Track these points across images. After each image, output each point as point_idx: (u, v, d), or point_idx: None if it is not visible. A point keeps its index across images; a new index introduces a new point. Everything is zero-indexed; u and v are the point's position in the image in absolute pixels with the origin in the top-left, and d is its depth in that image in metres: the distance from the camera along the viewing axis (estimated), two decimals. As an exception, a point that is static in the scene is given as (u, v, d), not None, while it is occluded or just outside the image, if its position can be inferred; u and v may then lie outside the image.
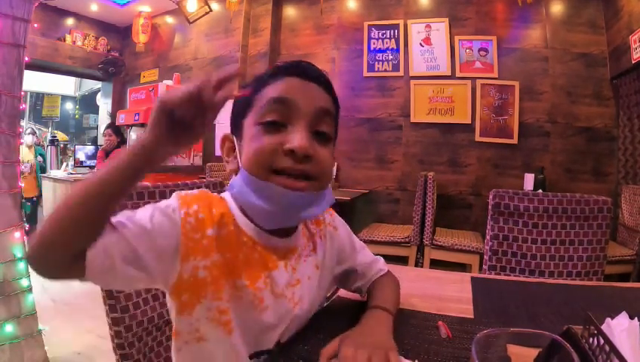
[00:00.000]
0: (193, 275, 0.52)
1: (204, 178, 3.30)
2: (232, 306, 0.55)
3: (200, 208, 0.54)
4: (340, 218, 0.77)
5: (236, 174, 0.58)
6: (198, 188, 1.03)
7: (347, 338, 0.55)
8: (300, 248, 0.63)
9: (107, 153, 3.78)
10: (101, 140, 4.74)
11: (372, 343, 0.53)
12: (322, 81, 0.59)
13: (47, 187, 3.88)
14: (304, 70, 0.58)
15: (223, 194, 0.62)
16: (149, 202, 0.93)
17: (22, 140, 1.74)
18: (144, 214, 0.51)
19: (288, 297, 0.59)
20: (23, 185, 1.65)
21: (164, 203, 0.54)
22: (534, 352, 0.45)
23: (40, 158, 4.28)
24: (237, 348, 0.55)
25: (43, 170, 4.24)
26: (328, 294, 0.77)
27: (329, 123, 0.59)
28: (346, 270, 0.75)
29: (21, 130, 1.66)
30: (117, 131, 3.82)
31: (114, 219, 0.48)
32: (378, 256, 0.80)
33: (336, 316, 0.70)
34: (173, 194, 0.56)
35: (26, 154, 3.93)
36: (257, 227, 0.58)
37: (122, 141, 3.78)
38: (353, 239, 0.77)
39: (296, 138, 0.53)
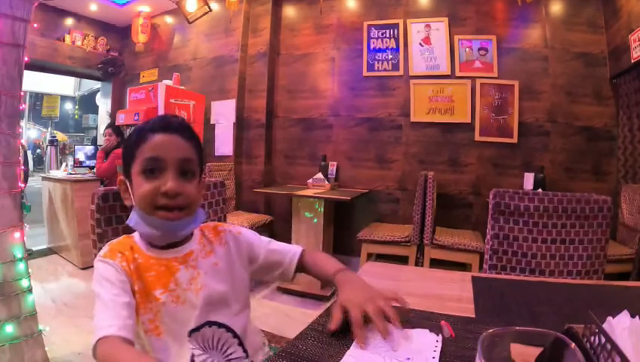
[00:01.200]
0: (134, 299, 0.70)
1: (205, 177, 3.29)
2: (160, 316, 0.71)
3: (121, 255, 0.72)
4: (241, 227, 0.94)
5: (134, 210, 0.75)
6: None
7: (345, 301, 0.69)
8: (196, 251, 0.80)
9: (107, 153, 3.78)
10: (101, 140, 4.74)
11: (366, 293, 0.70)
12: (182, 130, 0.76)
13: (46, 187, 3.88)
14: (167, 125, 0.75)
15: (133, 233, 0.79)
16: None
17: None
18: (107, 299, 0.66)
19: (192, 288, 0.75)
20: (23, 185, 1.65)
21: (103, 271, 0.70)
22: (536, 351, 0.45)
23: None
24: (168, 344, 0.72)
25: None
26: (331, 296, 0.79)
27: (191, 165, 0.76)
28: (261, 264, 0.89)
29: (21, 130, 1.66)
30: (117, 131, 3.82)
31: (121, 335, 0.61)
32: (288, 245, 0.93)
33: (347, 325, 0.70)
34: (95, 262, 0.72)
35: None
36: (157, 248, 0.76)
37: (122, 141, 3.78)
38: (261, 238, 0.92)
39: (168, 183, 0.72)
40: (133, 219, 0.75)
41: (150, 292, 0.72)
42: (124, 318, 0.63)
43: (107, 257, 0.71)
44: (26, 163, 3.90)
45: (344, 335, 0.66)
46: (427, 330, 0.66)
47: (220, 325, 0.77)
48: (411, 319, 0.71)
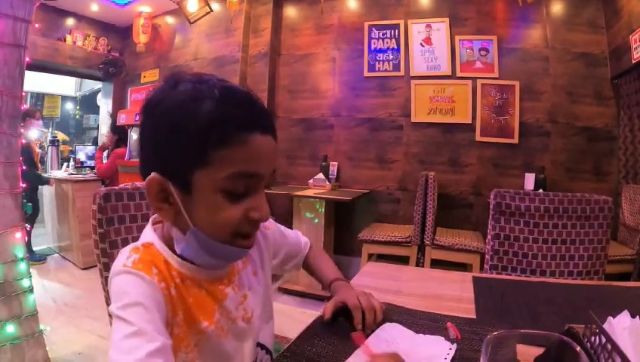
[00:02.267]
0: (172, 333, 0.52)
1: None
2: (198, 349, 0.56)
3: (157, 271, 0.52)
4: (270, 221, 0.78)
5: (175, 225, 0.55)
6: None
7: (343, 296, 0.73)
8: (237, 266, 0.65)
9: (105, 152, 3.81)
10: (101, 140, 4.75)
11: (359, 292, 0.73)
12: (273, 128, 0.55)
13: (47, 187, 3.88)
14: (266, 123, 0.54)
15: (148, 239, 0.58)
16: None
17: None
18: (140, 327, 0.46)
19: (241, 316, 0.62)
20: (24, 185, 1.65)
21: (132, 289, 0.49)
22: (536, 350, 0.46)
23: None
24: None
25: None
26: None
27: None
28: (281, 259, 0.82)
29: (22, 130, 1.66)
30: (115, 130, 3.85)
31: None
32: (295, 231, 0.88)
33: (340, 319, 0.70)
34: (117, 276, 0.51)
35: None
36: (194, 264, 0.56)
37: (121, 140, 3.79)
38: (280, 229, 0.82)
39: (262, 208, 0.54)
40: (188, 248, 0.54)
41: (193, 324, 0.55)
42: None
43: (140, 269, 0.50)
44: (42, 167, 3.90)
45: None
46: (442, 338, 0.65)
47: (262, 346, 0.67)
48: (420, 321, 0.72)
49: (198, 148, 0.49)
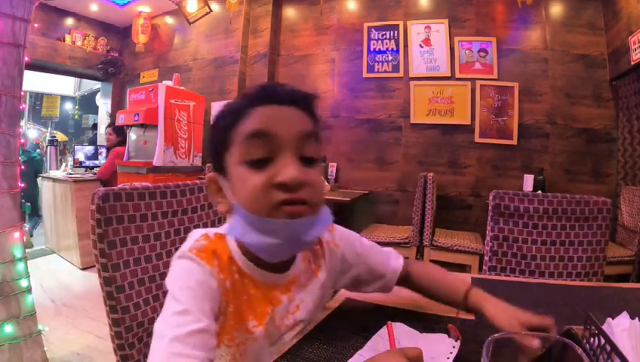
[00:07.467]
0: (221, 322, 0.55)
1: (204, 178, 3.30)
2: (243, 348, 0.57)
3: (218, 262, 0.55)
4: (342, 228, 0.74)
5: (230, 213, 0.56)
6: (199, 189, 1.03)
7: (504, 319, 0.58)
8: (300, 276, 0.64)
9: (107, 150, 3.83)
10: (100, 140, 4.74)
11: (519, 313, 0.59)
12: (296, 99, 0.54)
13: (46, 187, 3.88)
14: (274, 94, 0.54)
15: (224, 230, 0.60)
16: (149, 203, 0.91)
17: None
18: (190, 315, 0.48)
19: (285, 323, 0.61)
20: (22, 185, 1.65)
21: (187, 275, 0.52)
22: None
23: None
24: None
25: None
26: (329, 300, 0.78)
27: (313, 145, 0.55)
28: (355, 277, 0.73)
29: (21, 130, 1.66)
30: (117, 131, 3.85)
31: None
32: (388, 249, 0.78)
33: (343, 320, 0.70)
34: (179, 259, 0.54)
35: None
36: (257, 266, 0.58)
37: (122, 140, 3.79)
38: (356, 244, 0.73)
39: (286, 170, 0.50)
40: (237, 228, 0.53)
41: (241, 320, 0.56)
42: (207, 351, 0.47)
43: (202, 258, 0.53)
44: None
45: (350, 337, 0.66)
46: (446, 336, 0.65)
47: None
48: (421, 323, 0.71)
49: (223, 136, 0.55)
